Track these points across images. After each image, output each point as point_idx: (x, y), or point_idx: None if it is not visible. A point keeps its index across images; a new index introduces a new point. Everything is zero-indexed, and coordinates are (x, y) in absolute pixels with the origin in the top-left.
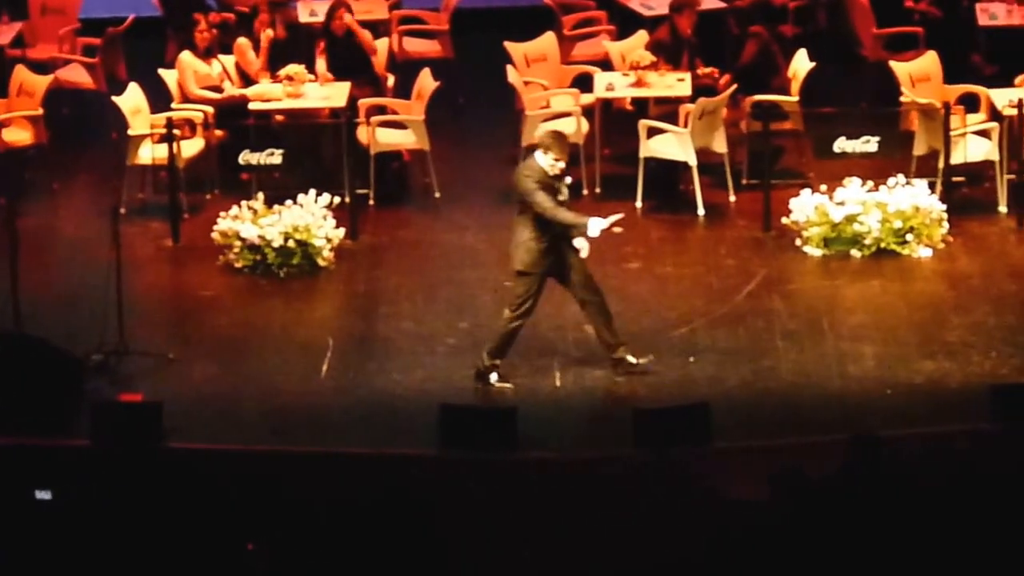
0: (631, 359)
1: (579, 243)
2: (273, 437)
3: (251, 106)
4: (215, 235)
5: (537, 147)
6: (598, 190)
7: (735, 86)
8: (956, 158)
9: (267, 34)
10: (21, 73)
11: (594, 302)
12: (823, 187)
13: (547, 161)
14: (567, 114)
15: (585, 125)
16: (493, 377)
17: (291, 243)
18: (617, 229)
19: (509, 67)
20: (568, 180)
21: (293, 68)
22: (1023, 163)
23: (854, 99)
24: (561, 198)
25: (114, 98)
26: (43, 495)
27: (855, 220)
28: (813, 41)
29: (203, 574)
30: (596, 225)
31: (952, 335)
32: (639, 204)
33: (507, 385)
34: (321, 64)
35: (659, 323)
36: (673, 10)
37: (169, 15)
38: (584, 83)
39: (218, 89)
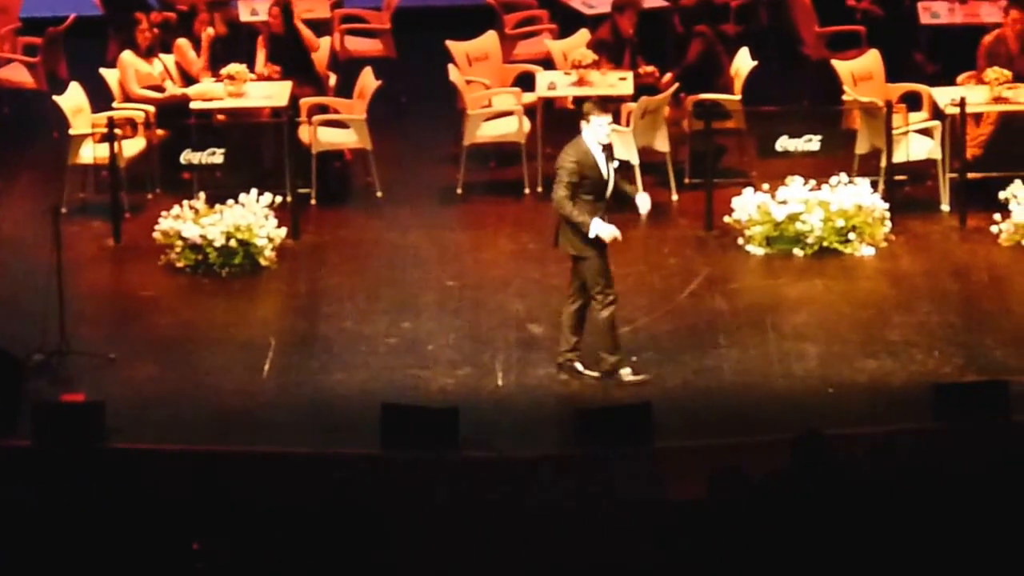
0: (579, 366)
1: (642, 199)
2: (218, 437)
3: (192, 105)
4: (157, 235)
5: (583, 123)
6: (540, 189)
7: (677, 85)
8: (898, 157)
9: (208, 33)
10: None
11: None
12: (765, 186)
13: (599, 132)
14: (509, 113)
15: (527, 124)
16: (625, 372)
17: (233, 243)
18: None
19: (451, 66)
20: (615, 163)
21: (234, 67)
22: (965, 161)
23: (796, 98)
24: (608, 178)
25: (55, 97)
26: None
27: (797, 219)
28: (755, 40)
29: (148, 574)
30: (595, 228)
31: (895, 334)
32: None
33: (642, 377)
34: (261, 59)
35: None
36: (615, 9)
37: (110, 14)
38: (526, 82)
39: (159, 88)
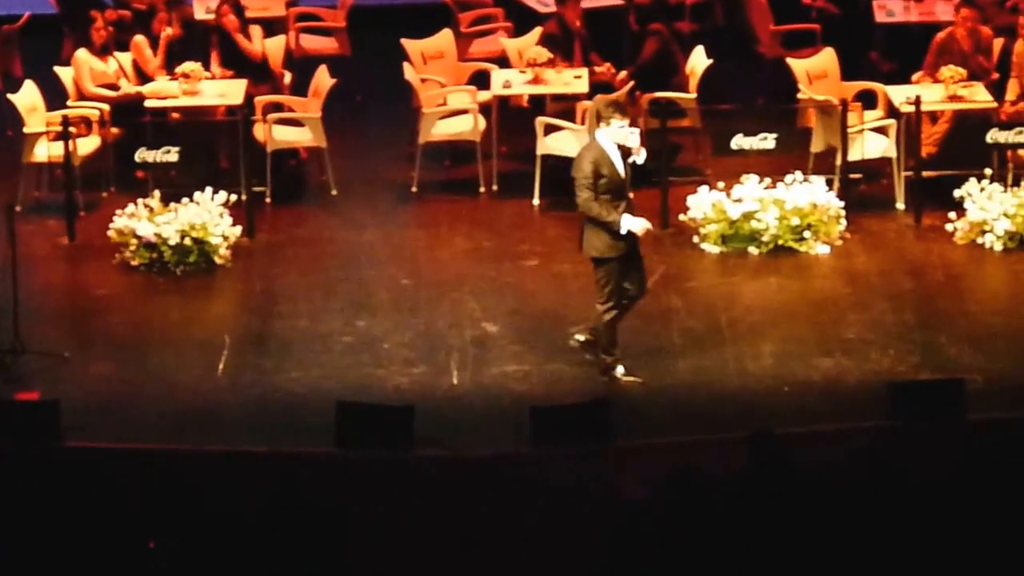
0: (620, 371)
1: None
2: (172, 435)
3: (147, 104)
4: (111, 233)
5: (600, 125)
6: (495, 187)
7: (632, 83)
8: (853, 155)
9: (166, 32)
10: None
11: (633, 300)
12: (721, 184)
13: (618, 134)
14: (464, 111)
15: (482, 122)
16: (619, 371)
17: (188, 241)
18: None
19: (406, 64)
20: (642, 155)
21: (189, 66)
22: (920, 160)
23: (752, 96)
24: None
25: (10, 96)
26: None
27: (753, 217)
28: (711, 38)
29: (104, 573)
30: (625, 223)
31: (850, 332)
32: (536, 201)
33: (633, 379)
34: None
35: (557, 321)
36: (558, 2)
37: (65, 12)
38: (481, 80)
39: (114, 87)
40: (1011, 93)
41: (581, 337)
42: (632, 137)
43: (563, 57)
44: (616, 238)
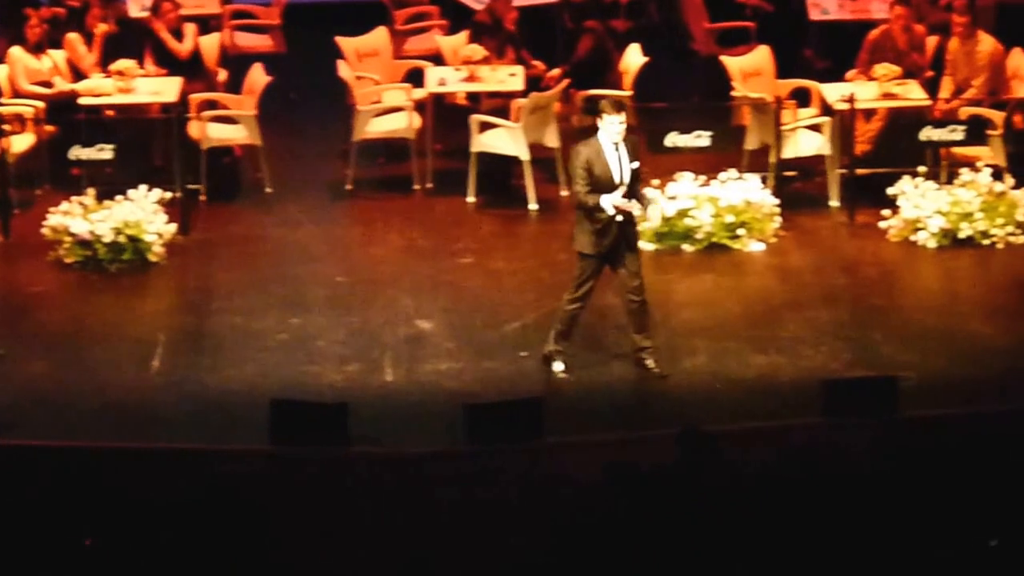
0: (650, 363)
1: (652, 210)
2: (106, 433)
3: (82, 101)
4: (45, 231)
5: (597, 121)
6: (430, 185)
7: (567, 81)
8: (788, 152)
9: (101, 29)
10: None
11: (636, 301)
12: (655, 182)
13: (610, 131)
14: (399, 109)
15: (417, 120)
16: (557, 366)
17: (122, 238)
18: (623, 202)
19: (341, 62)
20: (634, 166)
21: (124, 63)
22: (854, 157)
23: (686, 94)
24: (629, 166)
25: None
26: None
27: (687, 215)
28: (645, 36)
29: (41, 570)
30: (605, 201)
31: (784, 330)
32: (471, 199)
33: (565, 376)
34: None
35: (491, 318)
36: None
37: None
38: (416, 78)
39: (48, 84)
40: (945, 91)
41: (651, 364)
42: (620, 132)
43: (491, 48)
44: (599, 236)
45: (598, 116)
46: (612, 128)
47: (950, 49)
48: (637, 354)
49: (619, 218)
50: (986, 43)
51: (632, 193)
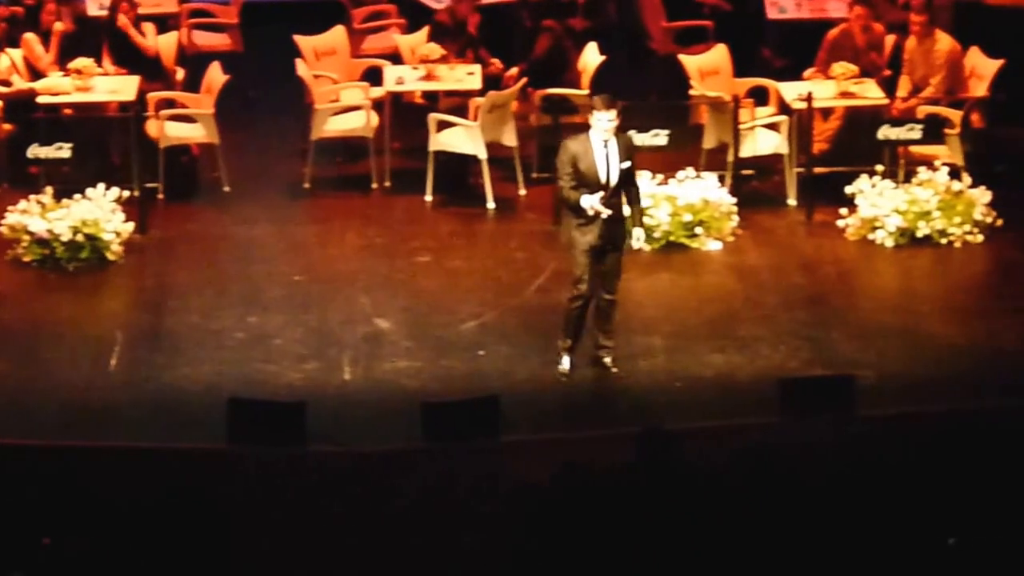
0: (608, 362)
1: (637, 233)
2: (63, 432)
3: (39, 100)
4: (3, 229)
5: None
6: (387, 184)
7: (525, 80)
8: (745, 151)
9: (57, 27)
10: None
11: (607, 300)
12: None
13: (600, 124)
14: (357, 108)
15: (375, 118)
16: (563, 363)
17: (80, 237)
18: (599, 206)
19: (299, 61)
20: (625, 166)
21: (82, 62)
22: (812, 156)
23: (644, 93)
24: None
25: None
26: None
27: (645, 213)
28: (603, 34)
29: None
30: (585, 201)
31: (742, 328)
32: (429, 198)
33: (563, 377)
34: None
35: (449, 317)
36: None
37: None
38: (374, 76)
39: (6, 83)
40: (902, 90)
41: (609, 363)
42: (609, 129)
43: (452, 49)
44: (584, 232)
45: (589, 112)
46: (601, 124)
47: (907, 48)
48: (597, 351)
49: (604, 215)
50: (943, 42)
51: (623, 193)
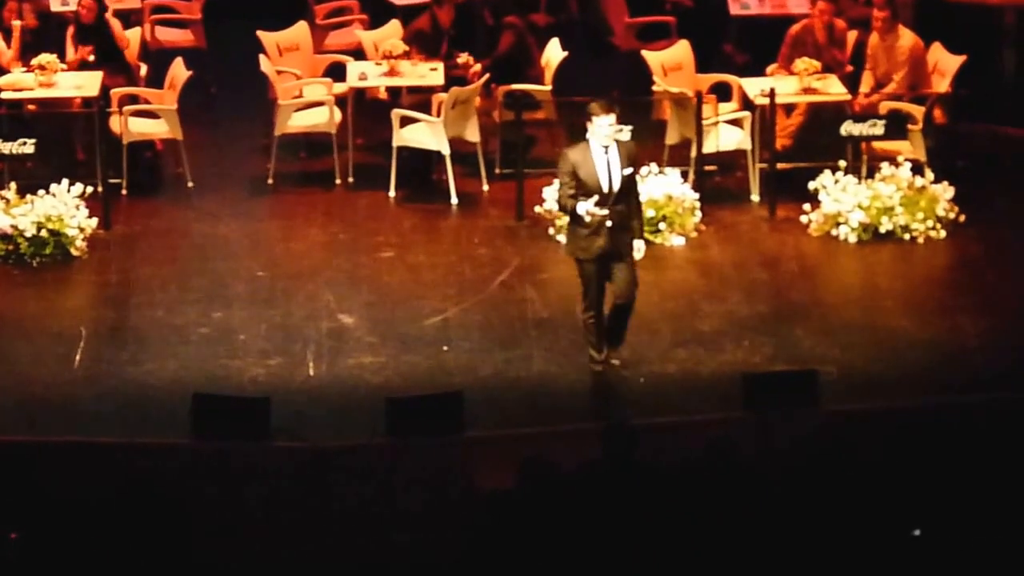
0: (616, 363)
1: (637, 244)
2: (28, 427)
3: (2, 95)
4: None
5: (587, 124)
6: (351, 179)
7: (488, 75)
8: (708, 147)
9: (16, 24)
10: None
11: (622, 307)
12: None
13: (599, 132)
14: (320, 103)
15: (338, 114)
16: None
17: (44, 233)
18: (596, 209)
19: (262, 56)
20: (627, 172)
21: (45, 57)
22: (775, 152)
23: (607, 88)
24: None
25: None
26: None
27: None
28: (565, 30)
29: None
30: (581, 207)
31: (705, 324)
32: (392, 193)
33: (597, 368)
34: (71, 49)
35: (412, 312)
36: (435, 3)
37: None
38: (337, 72)
39: None
40: (865, 85)
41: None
42: (620, 133)
43: (428, 54)
44: (589, 240)
45: (587, 119)
46: (602, 130)
47: (870, 44)
48: (608, 360)
49: (602, 217)
50: (906, 38)
51: (625, 200)
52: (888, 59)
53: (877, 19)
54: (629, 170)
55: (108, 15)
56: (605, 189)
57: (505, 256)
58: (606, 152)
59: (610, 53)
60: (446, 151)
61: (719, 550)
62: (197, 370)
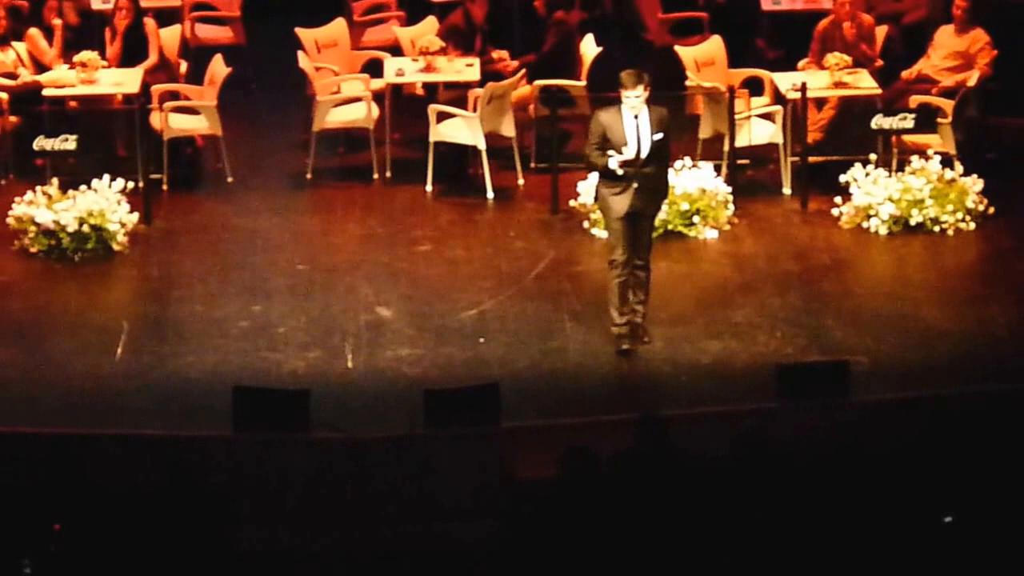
0: (646, 340)
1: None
2: (70, 420)
3: (45, 92)
4: (10, 220)
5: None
6: (388, 174)
7: (524, 71)
8: (741, 141)
9: (58, 22)
10: None
11: (639, 268)
12: None
13: (628, 102)
14: (358, 99)
15: (375, 110)
16: (622, 344)
17: (86, 228)
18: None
19: (300, 53)
20: (657, 138)
21: (86, 55)
22: (806, 145)
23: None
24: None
25: None
26: None
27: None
28: (599, 26)
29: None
30: (614, 161)
31: (738, 315)
32: (429, 188)
33: (615, 331)
34: (110, 50)
35: (449, 305)
36: None
37: None
38: (374, 68)
39: (12, 76)
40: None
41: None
42: (635, 108)
43: (463, 50)
44: (618, 199)
45: (619, 87)
46: (629, 102)
47: (939, 32)
48: (632, 322)
49: (635, 184)
50: (981, 31)
51: (655, 163)
52: (966, 49)
53: (959, 8)
54: (660, 135)
55: (147, 19)
56: (632, 153)
57: (540, 249)
58: (636, 118)
59: (644, 49)
60: (482, 146)
61: (752, 539)
62: (237, 363)
